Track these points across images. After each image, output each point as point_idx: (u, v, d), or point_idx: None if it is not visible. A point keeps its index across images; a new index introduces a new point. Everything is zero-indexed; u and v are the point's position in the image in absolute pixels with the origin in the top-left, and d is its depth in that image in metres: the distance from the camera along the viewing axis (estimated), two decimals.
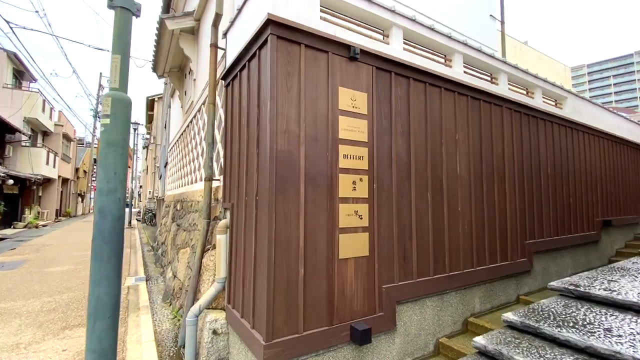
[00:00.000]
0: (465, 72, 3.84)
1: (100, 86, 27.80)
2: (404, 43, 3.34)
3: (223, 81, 3.58)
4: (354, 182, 2.70)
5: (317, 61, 2.61)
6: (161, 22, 5.91)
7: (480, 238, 3.72)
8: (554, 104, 5.36)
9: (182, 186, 6.93)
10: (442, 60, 3.71)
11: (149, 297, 5.28)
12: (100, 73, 27.83)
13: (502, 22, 7.01)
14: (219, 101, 4.07)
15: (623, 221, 6.52)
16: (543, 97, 5.07)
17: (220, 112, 3.94)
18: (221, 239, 3.11)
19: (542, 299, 4.55)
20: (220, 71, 3.97)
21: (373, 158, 2.85)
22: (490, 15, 6.90)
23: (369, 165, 2.81)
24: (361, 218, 2.70)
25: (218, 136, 4.01)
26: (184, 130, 7.02)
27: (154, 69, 7.70)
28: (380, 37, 3.24)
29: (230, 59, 3.30)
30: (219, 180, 3.71)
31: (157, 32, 6.14)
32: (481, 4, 6.68)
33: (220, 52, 3.96)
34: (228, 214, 3.22)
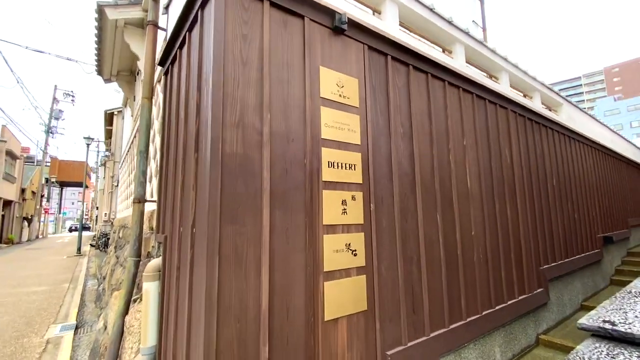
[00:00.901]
0: (467, 66, 3.20)
1: (55, 99, 25.60)
2: (400, 25, 2.63)
3: (161, 68, 2.67)
4: (343, 202, 1.86)
5: (288, 27, 1.80)
6: (100, 11, 4.89)
7: (496, 268, 2.97)
8: (548, 110, 4.91)
9: (127, 208, 5.76)
10: (441, 50, 3.03)
11: (72, 357, 4.02)
12: (55, 85, 25.68)
13: (484, 29, 6.76)
14: (162, 97, 3.15)
15: (619, 236, 6.14)
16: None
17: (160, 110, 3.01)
18: (149, 289, 2.12)
19: (563, 338, 3.84)
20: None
21: (369, 167, 2.03)
22: (473, 21, 6.57)
23: (363, 176, 1.99)
24: (355, 254, 1.85)
25: (159, 142, 3.06)
26: (132, 142, 5.92)
27: (99, 71, 6.59)
28: (370, 12, 2.50)
29: (169, 36, 2.41)
30: (155, 202, 2.74)
31: (96, 23, 5.10)
32: (465, 9, 6.34)
33: (162, 35, 3.07)
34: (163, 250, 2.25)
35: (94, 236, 22.42)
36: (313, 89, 1.84)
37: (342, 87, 1.99)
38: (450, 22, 3.02)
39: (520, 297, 3.19)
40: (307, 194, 1.71)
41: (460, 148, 2.85)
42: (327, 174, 1.81)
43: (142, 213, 2.71)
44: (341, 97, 1.97)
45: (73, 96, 26.20)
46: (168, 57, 2.47)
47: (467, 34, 3.21)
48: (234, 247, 1.43)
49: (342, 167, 1.88)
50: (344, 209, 1.85)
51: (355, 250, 1.84)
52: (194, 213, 1.62)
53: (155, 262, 2.20)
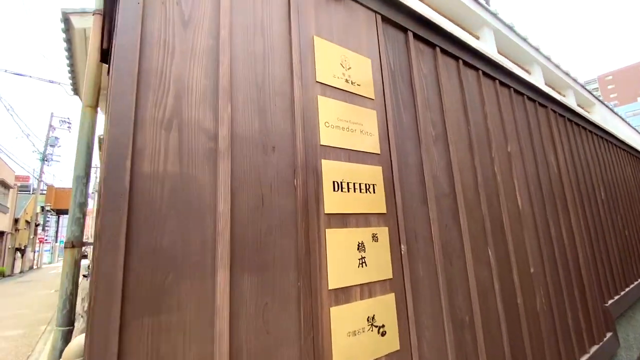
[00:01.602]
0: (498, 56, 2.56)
1: (51, 127, 25.36)
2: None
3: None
4: (360, 246, 1.15)
5: None
6: (66, 20, 4.28)
7: (562, 315, 2.21)
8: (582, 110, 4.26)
9: None
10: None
11: None
12: (52, 113, 25.50)
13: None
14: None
15: None
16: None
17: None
18: None
19: None
20: None
21: (394, 187, 1.34)
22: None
23: (387, 202, 1.29)
24: (384, 333, 1.12)
25: None
26: None
27: (75, 91, 6.01)
28: None
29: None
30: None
31: (64, 35, 4.51)
32: None
33: None
34: None
35: (88, 265, 21.47)
36: (305, 68, 1.18)
37: (350, 68, 1.33)
38: (477, 1, 2.42)
39: (593, 349, 2.41)
40: (299, 237, 1.01)
41: (505, 156, 2.16)
42: (332, 202, 1.12)
43: (76, 262, 1.94)
44: (349, 84, 1.30)
45: (69, 123, 26.01)
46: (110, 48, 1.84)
47: (496, 16, 2.61)
48: (155, 356, 0.72)
49: (354, 189, 1.19)
50: (362, 259, 1.13)
51: (383, 327, 1.12)
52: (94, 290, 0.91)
53: (76, 343, 1.46)
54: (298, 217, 1.03)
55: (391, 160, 1.36)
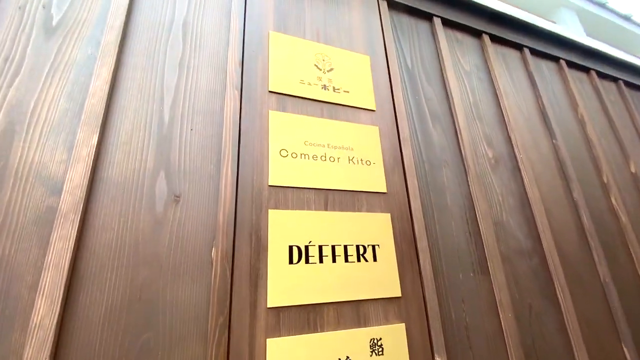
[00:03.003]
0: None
1: None
2: None
3: None
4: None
5: None
6: None
7: None
8: None
9: None
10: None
11: None
12: None
13: None
14: None
15: None
16: None
17: None
18: None
19: None
20: None
21: (416, 247, 0.78)
22: None
23: (403, 278, 0.74)
24: None
25: None
26: None
27: None
28: None
29: None
30: None
31: None
32: None
33: None
34: None
35: None
36: (250, 74, 0.79)
37: (331, 70, 0.90)
38: None
39: None
40: (209, 356, 0.54)
41: (628, 179, 1.37)
42: (286, 286, 0.63)
43: None
44: (328, 92, 0.86)
45: None
46: None
47: None
48: None
49: (334, 256, 0.69)
50: None
51: None
52: None
53: None
54: (211, 316, 0.57)
55: (409, 203, 0.83)
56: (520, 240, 0.96)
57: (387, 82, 0.97)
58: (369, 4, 1.07)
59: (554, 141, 1.23)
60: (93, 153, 0.59)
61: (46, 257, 0.52)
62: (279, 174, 0.72)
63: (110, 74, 0.66)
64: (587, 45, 1.55)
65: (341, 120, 0.85)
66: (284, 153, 0.74)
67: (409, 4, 1.15)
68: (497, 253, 0.89)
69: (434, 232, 0.84)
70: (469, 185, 0.96)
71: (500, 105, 1.18)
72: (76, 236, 0.54)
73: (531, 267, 0.93)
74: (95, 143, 0.60)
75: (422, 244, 0.79)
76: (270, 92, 0.80)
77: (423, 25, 1.18)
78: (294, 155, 0.75)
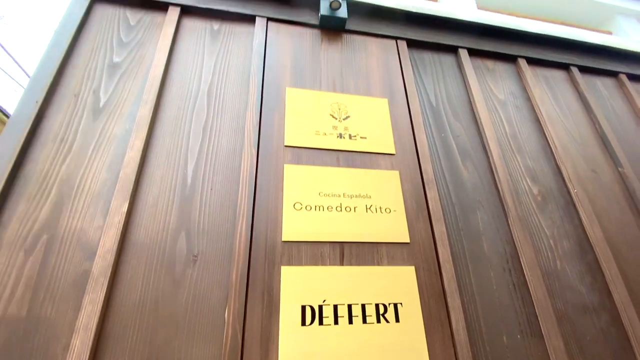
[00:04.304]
0: None
1: None
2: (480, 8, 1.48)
3: None
4: None
5: (221, 39, 0.96)
6: None
7: None
8: None
9: None
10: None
11: None
12: None
13: None
14: None
15: None
16: None
17: None
18: None
19: None
20: None
21: (446, 305, 0.71)
22: None
23: (432, 341, 0.66)
24: None
25: None
26: None
27: None
28: None
29: None
30: None
31: None
32: None
33: None
34: None
35: None
36: (267, 131, 0.83)
37: (347, 118, 0.90)
38: None
39: None
40: None
41: None
42: (300, 347, 0.61)
43: None
44: (344, 140, 0.86)
45: None
46: None
47: None
48: None
49: (350, 317, 0.65)
50: None
51: None
52: None
53: None
54: None
55: (437, 253, 0.76)
56: (582, 294, 0.81)
57: (407, 122, 0.94)
58: (386, 46, 1.08)
59: (619, 169, 1.06)
60: (123, 219, 0.66)
61: (78, 319, 0.57)
62: (293, 228, 0.72)
63: (143, 144, 0.74)
64: None
65: (358, 167, 0.84)
66: (297, 206, 0.75)
67: (431, 40, 1.14)
68: (551, 310, 0.76)
69: (469, 286, 0.76)
70: (510, 229, 0.86)
71: (544, 134, 1.06)
72: (104, 299, 0.59)
73: (599, 327, 0.78)
74: (126, 210, 0.67)
75: (454, 301, 0.71)
76: (286, 146, 0.82)
77: (447, 58, 1.15)
78: (308, 207, 0.75)
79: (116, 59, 0.86)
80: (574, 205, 0.94)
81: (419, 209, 0.81)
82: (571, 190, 0.96)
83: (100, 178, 0.71)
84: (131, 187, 0.69)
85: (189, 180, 0.75)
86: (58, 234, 0.64)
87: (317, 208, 0.76)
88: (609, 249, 0.88)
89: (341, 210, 0.77)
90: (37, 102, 0.74)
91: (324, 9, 1.01)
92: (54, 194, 0.68)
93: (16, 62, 5.53)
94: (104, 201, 0.69)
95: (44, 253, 0.62)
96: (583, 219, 0.92)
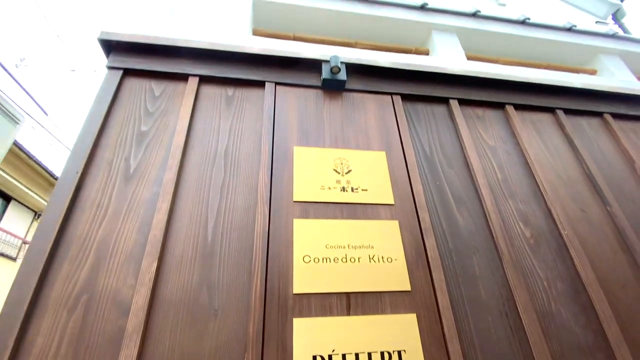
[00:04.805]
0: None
1: None
2: (469, 58, 1.61)
3: None
4: None
5: (235, 104, 1.08)
6: None
7: None
8: None
9: None
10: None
11: None
12: None
13: None
14: None
15: None
16: None
17: None
18: None
19: None
20: None
21: (447, 353, 0.76)
22: None
23: None
24: None
25: None
26: None
27: None
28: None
29: None
30: None
31: None
32: None
33: None
34: None
35: None
36: (278, 188, 0.92)
37: (349, 172, 1.00)
38: (574, 30, 1.77)
39: None
40: None
41: None
42: None
43: None
44: (347, 193, 0.95)
45: None
46: None
47: (618, 36, 1.83)
48: None
49: None
50: None
51: None
52: None
53: None
54: None
55: (436, 299, 0.82)
56: (577, 334, 0.86)
57: (405, 173, 1.03)
58: (383, 102, 1.19)
59: (607, 208, 1.13)
60: (153, 277, 0.74)
61: None
62: (303, 281, 0.79)
63: (168, 206, 0.84)
64: (632, 94, 1.45)
65: (360, 218, 0.92)
66: (306, 259, 0.83)
67: (424, 93, 1.25)
68: (547, 351, 0.81)
69: (468, 331, 0.81)
70: (504, 272, 0.92)
71: (534, 177, 1.14)
72: (137, 355, 0.66)
73: None
74: (155, 269, 0.75)
75: (454, 346, 0.77)
76: (295, 201, 0.91)
77: (439, 109, 1.25)
78: (316, 260, 0.83)
79: (144, 128, 0.97)
80: (566, 247, 1.00)
81: (418, 257, 0.88)
82: (562, 232, 1.02)
83: (131, 239, 0.80)
84: (159, 248, 0.78)
85: (209, 238, 0.83)
86: (96, 293, 0.73)
87: (325, 260, 0.83)
88: (601, 290, 0.93)
89: (346, 261, 0.84)
90: (77, 172, 0.85)
91: (325, 73, 1.13)
92: (92, 256, 0.77)
93: (35, 102, 5.83)
94: (135, 261, 0.77)
95: (84, 312, 0.71)
96: (575, 260, 0.98)
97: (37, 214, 6.52)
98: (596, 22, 2.69)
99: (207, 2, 1.39)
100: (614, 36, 1.84)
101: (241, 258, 0.82)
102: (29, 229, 6.41)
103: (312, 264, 0.82)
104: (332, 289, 0.80)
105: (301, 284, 0.79)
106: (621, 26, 3.02)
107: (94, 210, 0.83)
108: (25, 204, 6.27)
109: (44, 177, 6.03)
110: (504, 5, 2.43)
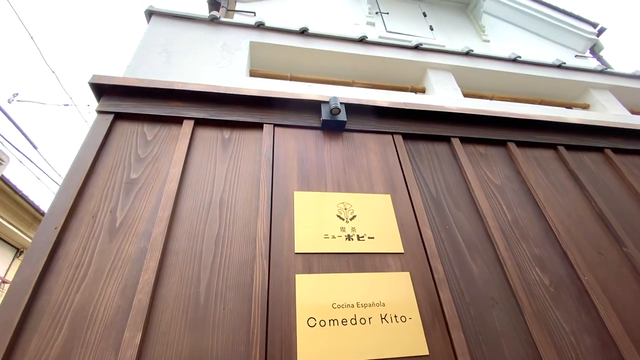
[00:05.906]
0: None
1: None
2: (466, 96, 1.62)
3: None
4: None
5: (232, 148, 1.03)
6: None
7: None
8: None
9: None
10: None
11: None
12: None
13: None
14: None
15: None
16: None
17: None
18: None
19: None
20: None
21: None
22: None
23: None
24: None
25: None
26: None
27: None
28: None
29: None
30: None
31: None
32: None
33: None
34: None
35: None
36: (278, 239, 0.85)
37: (354, 217, 0.93)
38: (566, 68, 1.82)
39: None
40: None
41: None
42: None
43: None
44: (352, 242, 0.88)
45: None
46: None
47: (607, 71, 1.89)
48: None
49: None
50: None
51: None
52: None
53: None
54: None
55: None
56: None
57: (412, 218, 0.98)
58: (384, 141, 1.16)
59: (624, 249, 1.07)
60: (135, 354, 0.64)
61: None
62: (308, 350, 0.70)
63: (157, 265, 0.75)
64: (628, 128, 1.45)
65: (368, 271, 0.84)
66: (311, 322, 0.74)
67: (424, 132, 1.22)
68: None
69: None
70: (527, 327, 0.84)
71: (544, 217, 1.09)
72: None
73: None
74: (138, 343, 0.65)
75: None
76: (296, 253, 0.84)
77: (441, 147, 1.22)
78: (322, 322, 0.74)
79: (133, 176, 0.91)
80: (587, 294, 0.93)
81: (434, 314, 0.80)
82: (582, 278, 0.96)
83: (113, 305, 0.71)
84: (145, 316, 0.69)
85: (202, 300, 0.74)
86: None
87: (332, 322, 0.75)
88: (632, 344, 0.85)
89: (356, 322, 0.76)
90: (56, 228, 0.77)
91: (325, 114, 1.11)
92: (66, 328, 0.67)
93: (25, 136, 5.74)
94: (116, 331, 0.68)
95: None
96: (599, 309, 0.90)
97: (19, 251, 6.22)
98: (575, 56, 2.81)
99: (203, 45, 1.39)
100: (602, 72, 1.89)
101: (237, 324, 0.72)
102: (9, 267, 6.08)
103: (318, 327, 0.73)
104: (342, 358, 0.70)
105: (307, 354, 0.70)
106: (599, 59, 3.16)
107: (72, 271, 0.74)
108: (7, 240, 5.98)
109: (29, 212, 5.80)
110: (488, 41, 2.53)
